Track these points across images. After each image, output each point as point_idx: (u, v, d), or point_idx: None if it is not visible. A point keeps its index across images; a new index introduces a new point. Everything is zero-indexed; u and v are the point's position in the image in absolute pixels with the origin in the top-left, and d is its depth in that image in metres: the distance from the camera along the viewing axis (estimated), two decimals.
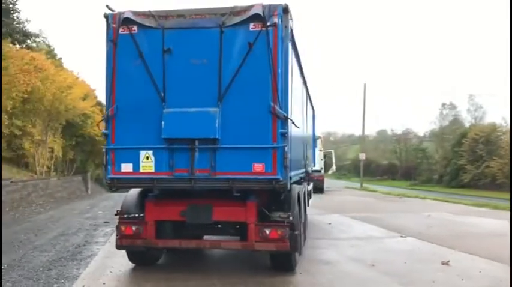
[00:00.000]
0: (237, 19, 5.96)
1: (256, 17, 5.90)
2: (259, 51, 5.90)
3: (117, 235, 6.61)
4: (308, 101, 11.41)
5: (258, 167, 5.88)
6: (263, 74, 5.88)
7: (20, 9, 15.21)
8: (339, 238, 10.04)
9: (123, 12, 6.19)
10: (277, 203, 6.54)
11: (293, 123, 5.96)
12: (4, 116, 22.55)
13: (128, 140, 6.15)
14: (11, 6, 14.59)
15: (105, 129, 6.27)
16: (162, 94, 6.07)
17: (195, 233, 6.93)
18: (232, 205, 6.35)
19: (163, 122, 5.97)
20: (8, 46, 20.67)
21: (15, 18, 16.49)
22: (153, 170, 6.08)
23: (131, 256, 6.99)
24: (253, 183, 5.95)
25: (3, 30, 16.26)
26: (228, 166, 5.95)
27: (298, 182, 8.25)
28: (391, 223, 12.57)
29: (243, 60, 5.94)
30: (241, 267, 7.20)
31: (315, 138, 15.91)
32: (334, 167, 32.41)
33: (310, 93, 12.37)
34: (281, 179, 5.84)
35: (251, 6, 5.93)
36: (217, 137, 5.89)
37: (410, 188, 45.56)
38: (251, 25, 5.95)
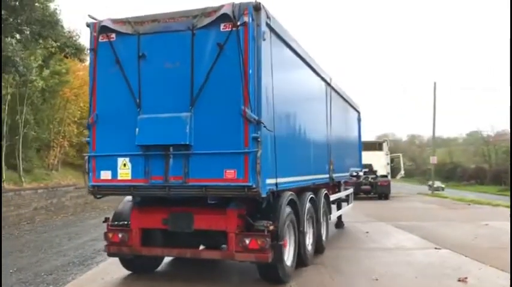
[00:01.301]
0: (208, 20, 5.75)
1: (226, 17, 5.65)
2: (230, 53, 5.65)
3: (105, 242, 6.63)
4: (337, 103, 10.86)
5: (229, 173, 5.61)
6: (234, 76, 5.61)
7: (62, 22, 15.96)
8: (363, 248, 9.39)
9: (102, 21, 6.23)
10: (263, 211, 6.20)
11: (265, 127, 5.58)
12: (73, 126, 24.08)
13: (107, 148, 6.15)
14: (60, 18, 15.39)
15: (88, 137, 6.33)
16: (138, 100, 6.01)
17: (187, 242, 6.75)
18: (212, 213, 6.12)
19: (137, 129, 5.91)
20: (71, 61, 22.07)
21: (65, 32, 17.40)
22: (129, 178, 6.03)
23: (124, 263, 6.99)
24: (225, 191, 5.69)
25: (55, 44, 17.26)
26: (201, 173, 5.74)
27: (306, 189, 7.83)
28: (435, 232, 11.58)
29: (214, 62, 5.72)
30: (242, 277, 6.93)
31: (360, 142, 15.15)
32: (402, 171, 30.90)
33: (343, 95, 11.83)
34: (254, 186, 5.51)
35: (221, 6, 5.70)
36: (187, 142, 5.71)
37: (499, 194, 42.07)
38: (222, 26, 5.71)
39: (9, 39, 13.14)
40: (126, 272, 7.03)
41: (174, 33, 5.90)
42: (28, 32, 14.78)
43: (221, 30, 5.71)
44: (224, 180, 5.62)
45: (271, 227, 5.95)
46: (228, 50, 5.66)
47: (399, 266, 7.55)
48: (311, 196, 7.84)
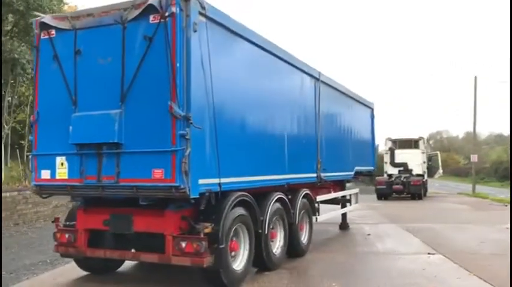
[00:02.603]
0: (136, 12, 5.48)
1: (155, 9, 5.36)
2: (159, 46, 5.36)
3: (55, 242, 6.53)
4: (331, 100, 10.32)
5: (157, 173, 5.32)
6: (162, 70, 5.32)
7: None
8: (350, 252, 8.83)
9: (42, 17, 6.12)
10: (205, 213, 5.88)
11: (191, 123, 5.23)
12: None
13: (46, 147, 6.05)
14: None
15: (32, 136, 6.25)
16: (74, 97, 5.85)
17: (133, 244, 6.51)
18: (152, 215, 5.85)
19: (71, 127, 5.75)
20: None
21: None
22: (66, 177, 5.88)
23: (78, 264, 6.87)
24: (154, 191, 5.41)
25: None
26: (132, 173, 5.49)
27: (276, 189, 7.41)
28: (442, 236, 10.79)
29: (143, 56, 5.45)
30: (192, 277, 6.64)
31: (373, 139, 14.41)
32: (440, 170, 29.36)
33: (343, 91, 11.24)
34: (181, 186, 5.19)
35: None
36: (116, 140, 5.47)
37: None
38: (151, 17, 5.43)
39: (16, 43, 13.47)
40: (83, 273, 6.91)
41: (107, 28, 5.68)
42: None
43: (150, 22, 5.43)
44: (152, 180, 5.34)
45: (208, 230, 5.62)
46: (157, 43, 5.37)
47: (371, 273, 6.99)
48: (279, 196, 7.40)
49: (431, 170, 28.11)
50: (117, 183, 5.55)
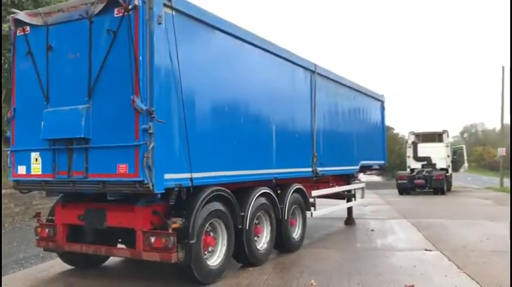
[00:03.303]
0: (101, 6, 5.45)
1: (119, 2, 5.31)
2: (123, 39, 5.31)
3: (36, 237, 6.62)
4: (331, 93, 10.10)
5: (122, 168, 5.29)
6: (126, 64, 5.27)
7: None
8: (344, 248, 8.61)
9: (17, 14, 6.17)
10: (178, 208, 5.82)
11: (153, 117, 5.14)
12: None
13: (22, 142, 6.11)
14: None
15: (10, 132, 6.32)
16: (46, 93, 5.89)
17: (111, 238, 6.54)
18: (123, 210, 5.83)
19: (42, 123, 5.78)
20: None
21: None
22: (40, 173, 5.93)
23: (61, 258, 6.94)
24: (120, 186, 5.38)
25: None
26: (99, 168, 5.48)
27: (262, 183, 7.29)
28: (447, 232, 10.42)
29: (108, 50, 5.42)
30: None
31: (384, 132, 14.04)
32: (466, 164, 28.46)
33: (345, 83, 10.98)
34: (145, 181, 5.13)
35: None
36: (83, 135, 5.47)
37: None
38: (116, 11, 5.39)
39: None
40: (68, 267, 6.98)
41: (75, 23, 5.67)
42: None
43: (115, 16, 5.38)
44: (117, 175, 5.32)
45: (176, 225, 5.56)
46: (121, 37, 5.33)
47: (357, 270, 6.77)
48: (263, 191, 7.26)
49: (456, 164, 27.29)
50: (86, 178, 5.56)
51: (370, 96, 12.81)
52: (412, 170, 25.21)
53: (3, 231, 10.33)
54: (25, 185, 6.26)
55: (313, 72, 9.26)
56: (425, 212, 14.89)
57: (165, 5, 5.41)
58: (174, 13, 5.55)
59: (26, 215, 13.62)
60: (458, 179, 33.06)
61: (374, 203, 18.65)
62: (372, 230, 10.82)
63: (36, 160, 5.95)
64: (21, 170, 6.08)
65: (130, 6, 5.24)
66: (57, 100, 5.80)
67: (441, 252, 8.02)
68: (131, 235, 5.76)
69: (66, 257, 6.86)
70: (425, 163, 25.68)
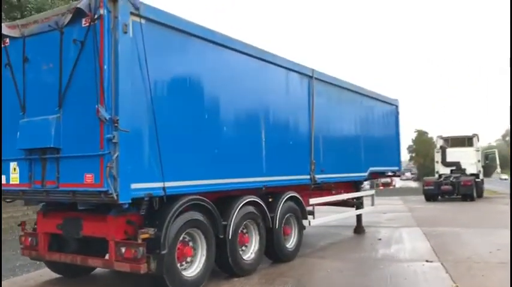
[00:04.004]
0: (69, 16, 5.47)
1: (85, 12, 5.32)
2: (89, 49, 5.32)
3: (20, 246, 6.69)
4: (333, 98, 9.87)
5: (88, 178, 5.28)
6: (92, 73, 5.26)
7: None
8: (343, 258, 8.32)
9: None
10: (151, 218, 5.76)
11: (116, 127, 5.10)
12: None
13: (4, 152, 6.19)
14: None
15: None
16: (23, 104, 5.96)
17: (90, 248, 6.52)
18: (97, 220, 5.81)
19: (18, 132, 5.85)
20: None
21: None
22: (18, 182, 6.00)
23: (49, 267, 6.99)
24: (87, 196, 5.37)
25: None
26: (69, 177, 5.49)
27: (251, 192, 7.15)
28: (459, 241, 9.93)
29: (76, 60, 5.44)
30: None
31: (398, 138, 13.56)
32: (499, 169, 27.31)
33: (351, 88, 10.71)
34: (109, 191, 5.09)
35: (81, 0, 5.38)
36: (53, 145, 5.50)
37: None
38: (83, 21, 5.41)
39: None
40: (55, 276, 7.03)
41: (48, 34, 5.73)
42: None
43: (82, 26, 5.40)
44: (84, 185, 5.31)
45: (145, 236, 5.48)
46: (88, 47, 5.34)
47: (343, 282, 6.53)
48: (249, 199, 7.11)
49: (488, 169, 26.23)
50: (58, 188, 5.58)
51: (380, 100, 12.43)
52: (440, 175, 24.37)
53: (10, 238, 10.52)
54: (6, 195, 6.34)
55: (311, 77, 9.05)
56: (444, 220, 14.32)
57: (132, 13, 5.37)
58: (143, 21, 5.50)
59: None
60: (495, 184, 31.80)
61: (395, 210, 18.13)
62: (379, 239, 10.46)
63: (15, 169, 6.03)
64: (3, 179, 6.18)
65: (96, 16, 5.24)
66: (32, 110, 5.87)
67: (442, 263, 7.64)
68: (103, 244, 5.74)
69: (53, 266, 6.90)
70: (454, 168, 24.77)
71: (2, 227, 10.90)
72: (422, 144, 68.52)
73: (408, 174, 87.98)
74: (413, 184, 66.76)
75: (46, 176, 5.69)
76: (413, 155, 75.94)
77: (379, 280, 6.67)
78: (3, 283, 6.91)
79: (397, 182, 66.84)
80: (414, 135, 72.97)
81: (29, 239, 6.50)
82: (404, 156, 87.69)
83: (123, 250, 5.51)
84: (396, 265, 7.65)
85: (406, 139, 70.84)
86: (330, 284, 6.44)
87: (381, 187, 51.77)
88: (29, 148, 5.78)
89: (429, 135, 67.45)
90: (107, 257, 6.00)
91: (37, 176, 5.79)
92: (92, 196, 5.30)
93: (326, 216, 9.82)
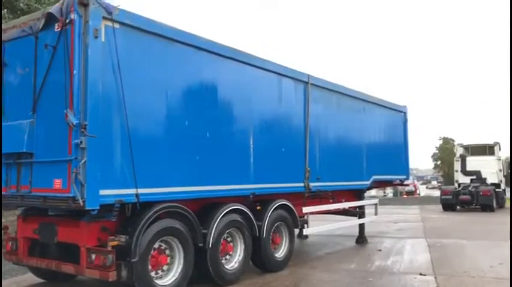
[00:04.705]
0: (43, 21, 5.48)
1: (56, 17, 5.31)
2: (61, 53, 5.32)
3: (3, 250, 6.71)
4: (332, 105, 9.68)
5: (57, 183, 5.27)
6: (63, 78, 5.25)
7: None
8: (334, 270, 8.07)
9: None
10: (126, 225, 5.69)
11: (83, 132, 5.04)
12: None
13: None
14: None
15: None
16: (1, 108, 5.98)
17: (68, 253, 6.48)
18: (71, 225, 5.76)
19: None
20: None
21: None
22: None
23: (32, 272, 6.99)
24: (57, 201, 5.33)
25: None
26: (41, 182, 5.49)
27: (236, 200, 7.03)
28: (461, 254, 9.54)
29: (49, 65, 5.43)
30: None
31: (406, 145, 13.19)
32: None
33: (353, 95, 10.49)
34: (76, 197, 5.04)
35: (53, 6, 5.38)
36: (25, 150, 5.51)
37: None
38: (56, 26, 5.41)
39: None
40: (39, 281, 7.03)
41: (24, 39, 5.75)
42: None
43: (55, 30, 5.40)
44: (54, 190, 5.29)
45: (114, 243, 5.41)
46: (59, 51, 5.35)
47: None
48: (233, 207, 6.98)
49: (511, 179, 25.34)
50: (30, 193, 5.56)
51: (387, 107, 12.13)
52: (459, 185, 23.68)
53: None
54: None
55: (306, 83, 8.88)
56: (455, 231, 13.83)
57: (104, 18, 5.33)
58: (116, 26, 5.46)
59: None
60: None
61: (407, 219, 17.70)
62: (379, 250, 10.15)
63: None
64: None
65: (67, 21, 5.23)
66: (10, 115, 5.89)
67: (435, 277, 7.34)
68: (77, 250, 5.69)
69: (36, 270, 6.89)
70: (474, 177, 24.04)
71: None
72: (447, 152, 66.99)
73: (435, 182, 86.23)
74: (438, 193, 65.26)
75: (21, 180, 5.69)
76: (438, 163, 74.27)
77: None
78: None
79: (422, 191, 65.64)
80: (439, 143, 71.36)
81: (10, 243, 6.51)
82: (429, 164, 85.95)
83: (93, 256, 5.45)
84: (387, 278, 7.37)
85: (431, 147, 69.46)
86: None
87: (405, 196, 50.86)
88: (5, 153, 5.78)
89: (455, 143, 65.93)
90: None
91: (13, 181, 5.79)
92: (60, 201, 5.26)
93: (321, 225, 9.58)
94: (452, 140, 69.56)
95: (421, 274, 7.56)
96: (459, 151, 25.63)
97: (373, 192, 49.21)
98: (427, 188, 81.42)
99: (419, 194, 57.60)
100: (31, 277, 7.17)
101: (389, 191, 54.36)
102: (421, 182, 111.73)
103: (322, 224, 10.16)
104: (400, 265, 8.43)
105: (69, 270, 5.85)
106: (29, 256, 6.36)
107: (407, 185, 17.13)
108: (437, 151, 73.74)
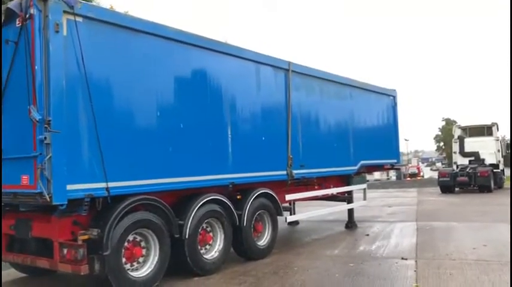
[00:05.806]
0: (3, 17, 5.44)
1: (16, 12, 5.28)
2: (22, 49, 5.28)
3: None
4: (315, 91, 9.61)
5: (24, 179, 5.28)
6: (24, 74, 5.22)
7: None
8: (317, 256, 8.06)
9: None
10: (96, 219, 5.71)
11: (46, 127, 5.03)
12: None
13: None
14: None
15: None
16: None
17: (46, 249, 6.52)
18: (44, 221, 5.78)
19: None
20: None
21: None
22: None
23: (13, 267, 7.05)
24: (26, 198, 5.35)
25: None
26: (10, 179, 5.49)
27: (215, 190, 7.04)
28: (448, 237, 9.51)
29: (12, 61, 5.41)
30: None
31: (396, 130, 13.12)
32: None
33: (338, 80, 10.41)
34: (43, 193, 5.05)
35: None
36: None
37: None
38: (17, 21, 5.36)
39: None
40: (21, 275, 7.10)
41: None
42: None
43: (16, 26, 5.36)
44: (22, 186, 5.30)
45: (84, 237, 5.44)
46: (21, 47, 5.31)
47: (301, 280, 6.32)
48: (211, 197, 6.98)
49: (510, 159, 25.23)
50: (4, 189, 5.57)
51: (374, 91, 12.05)
52: (457, 166, 23.62)
53: None
54: None
55: (287, 70, 8.81)
56: (447, 213, 13.83)
57: (66, 12, 5.28)
58: (80, 20, 5.41)
59: None
60: None
61: (402, 203, 17.72)
62: (367, 235, 10.15)
63: None
64: None
65: (27, 16, 5.19)
66: None
67: (416, 261, 7.34)
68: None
69: (17, 265, 6.95)
70: (472, 158, 23.98)
71: None
72: (450, 133, 66.77)
73: (439, 165, 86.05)
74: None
75: None
76: (441, 144, 74.03)
77: (339, 278, 6.45)
78: None
79: (427, 173, 65.49)
80: (442, 124, 71.08)
81: None
82: (432, 146, 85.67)
83: (65, 251, 5.48)
84: (368, 263, 7.38)
85: (433, 129, 69.21)
86: (284, 283, 6.23)
87: (408, 178, 50.85)
88: None
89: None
90: None
91: None
92: (29, 197, 5.28)
93: (306, 212, 9.58)
94: (455, 122, 69.28)
95: (402, 258, 7.56)
96: (457, 133, 25.56)
97: (376, 175, 49.46)
98: (431, 170, 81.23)
99: (423, 176, 57.51)
100: (14, 272, 7.24)
101: (392, 174, 54.36)
102: (425, 164, 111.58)
103: (311, 211, 10.18)
104: (384, 250, 8.44)
105: (43, 264, 5.89)
106: (6, 252, 6.39)
107: (398, 168, 17.03)
108: (440, 133, 73.47)
